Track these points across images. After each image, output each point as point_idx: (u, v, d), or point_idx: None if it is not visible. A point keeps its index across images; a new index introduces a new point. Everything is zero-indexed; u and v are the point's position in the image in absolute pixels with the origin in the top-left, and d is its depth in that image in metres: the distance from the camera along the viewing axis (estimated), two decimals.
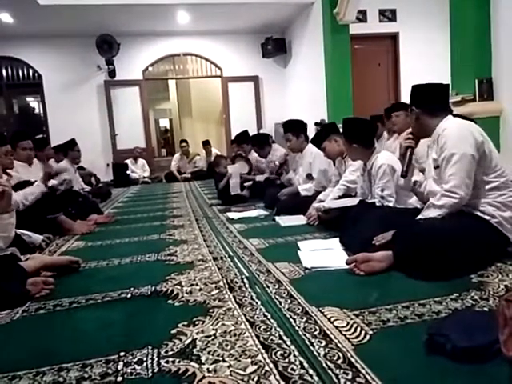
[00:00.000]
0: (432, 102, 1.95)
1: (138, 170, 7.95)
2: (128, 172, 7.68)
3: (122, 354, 1.21)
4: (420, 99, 1.97)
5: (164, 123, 15.37)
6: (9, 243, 2.03)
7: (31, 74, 8.03)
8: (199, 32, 8.16)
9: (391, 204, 2.36)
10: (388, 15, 7.09)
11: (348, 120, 2.65)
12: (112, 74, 8.07)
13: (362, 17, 6.78)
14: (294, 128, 3.72)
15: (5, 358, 1.26)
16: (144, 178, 7.83)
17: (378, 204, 2.40)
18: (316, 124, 6.31)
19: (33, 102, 8.61)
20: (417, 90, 1.99)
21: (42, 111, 8.29)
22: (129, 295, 1.71)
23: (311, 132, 3.49)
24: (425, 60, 6.87)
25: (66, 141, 4.81)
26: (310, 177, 3.57)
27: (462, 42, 3.86)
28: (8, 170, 3.07)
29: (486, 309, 1.35)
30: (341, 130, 2.81)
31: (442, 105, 1.98)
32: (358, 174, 2.75)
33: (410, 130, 2.11)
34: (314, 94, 7.04)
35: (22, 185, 2.99)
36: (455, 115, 2.92)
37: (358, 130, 2.53)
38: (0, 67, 7.89)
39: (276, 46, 8.36)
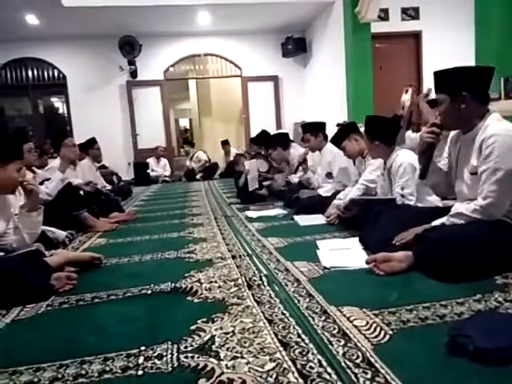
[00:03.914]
0: (482, 87, 1.74)
1: (160, 169, 8.04)
2: (148, 171, 7.78)
3: (142, 348, 1.23)
4: (472, 84, 1.71)
5: (184, 123, 15.50)
6: (35, 239, 2.09)
7: (56, 74, 8.22)
8: (219, 32, 8.20)
9: (412, 203, 2.33)
10: (411, 13, 6.97)
11: (371, 117, 2.64)
12: (134, 74, 8.19)
13: (383, 15, 6.68)
14: (312, 128, 3.72)
15: (30, 350, 1.30)
16: (165, 176, 7.93)
17: (398, 203, 2.37)
18: (338, 125, 6.26)
19: (57, 102, 8.81)
20: (466, 72, 1.74)
21: (66, 111, 8.47)
22: (149, 291, 1.74)
23: (333, 133, 3.51)
24: (448, 59, 6.67)
25: (87, 139, 4.90)
26: (329, 176, 3.55)
27: (486, 40, 3.77)
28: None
29: (510, 311, 1.32)
30: (362, 129, 2.79)
31: (487, 92, 1.77)
32: (377, 173, 2.72)
33: (432, 121, 1.86)
34: (334, 93, 6.99)
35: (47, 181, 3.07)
36: None
37: (380, 127, 2.51)
38: (26, 68, 8.10)
39: (296, 46, 8.32)
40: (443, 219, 1.84)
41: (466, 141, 1.82)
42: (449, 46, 6.79)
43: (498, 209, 1.67)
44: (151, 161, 7.99)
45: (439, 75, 1.81)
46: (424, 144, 1.84)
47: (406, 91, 3.22)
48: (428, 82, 6.86)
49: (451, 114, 1.76)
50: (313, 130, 3.69)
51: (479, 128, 1.74)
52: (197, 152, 8.14)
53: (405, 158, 2.40)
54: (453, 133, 1.94)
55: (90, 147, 4.79)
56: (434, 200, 2.29)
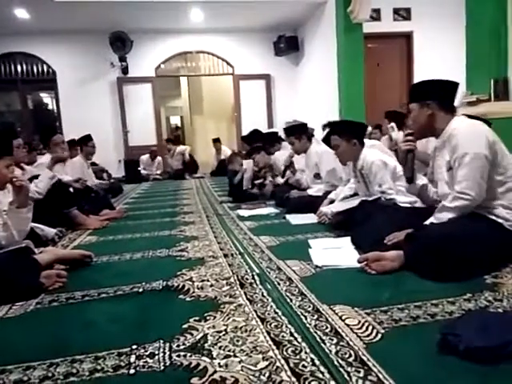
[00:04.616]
0: (447, 97, 1.91)
1: (153, 168, 7.97)
2: (139, 168, 7.73)
3: (134, 347, 1.22)
4: (437, 93, 1.89)
5: (175, 120, 15.39)
6: (24, 236, 2.07)
7: (45, 70, 8.11)
8: (212, 30, 8.17)
9: (393, 196, 2.37)
10: (402, 14, 7.03)
11: (339, 121, 2.75)
12: (125, 70, 8.11)
13: (375, 15, 6.73)
14: (295, 131, 3.71)
15: (19, 348, 1.28)
16: (156, 174, 7.88)
17: (382, 199, 2.41)
18: (325, 126, 6.26)
19: (46, 98, 8.69)
20: (433, 84, 1.93)
21: (55, 107, 8.37)
22: (140, 289, 1.73)
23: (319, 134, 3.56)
24: (439, 59, 6.80)
25: (82, 136, 4.84)
26: (317, 176, 3.55)
27: (477, 42, 3.81)
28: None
29: (500, 310, 1.34)
30: None
31: (453, 103, 1.95)
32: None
33: (407, 131, 2.03)
34: (326, 92, 7.01)
35: (36, 179, 3.03)
36: (468, 116, 2.90)
37: (353, 126, 2.62)
38: (15, 63, 7.99)
39: (288, 44, 8.33)
40: (431, 218, 1.87)
41: (439, 145, 1.95)
42: (440, 46, 6.86)
43: (474, 191, 1.73)
44: (145, 158, 7.92)
45: (411, 88, 2.02)
46: (404, 152, 1.98)
47: (392, 127, 3.37)
48: None
49: (419, 120, 1.94)
50: (296, 133, 3.68)
51: (447, 130, 1.88)
52: (176, 148, 8.08)
53: (373, 156, 2.49)
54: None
55: (84, 144, 4.73)
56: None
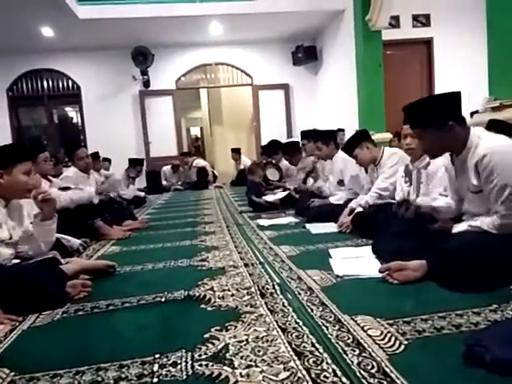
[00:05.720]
0: (460, 111, 1.80)
1: (174, 179, 8.07)
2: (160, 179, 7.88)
3: (157, 356, 1.23)
4: (452, 109, 1.78)
5: (195, 131, 15.61)
6: (50, 247, 2.13)
7: (70, 85, 8.39)
8: (231, 42, 8.29)
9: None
10: (421, 20, 6.97)
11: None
12: (146, 84, 8.30)
13: (394, 22, 6.70)
14: (324, 136, 3.73)
15: (46, 357, 1.31)
16: (177, 184, 7.99)
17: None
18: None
19: (71, 112, 8.96)
20: (442, 101, 1.80)
21: (80, 121, 8.62)
22: (163, 299, 1.75)
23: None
24: (460, 65, 6.71)
25: (137, 158, 6.07)
26: (341, 183, 3.54)
27: (499, 46, 3.75)
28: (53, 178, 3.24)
29: None
30: (374, 136, 2.76)
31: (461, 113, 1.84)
32: (390, 181, 2.72)
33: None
34: (345, 101, 7.00)
35: (62, 191, 3.12)
36: (492, 121, 2.78)
37: None
38: (42, 79, 8.29)
39: (307, 54, 8.37)
40: (463, 226, 1.83)
41: (460, 162, 1.87)
42: (461, 52, 6.78)
43: None
44: (167, 170, 8.03)
45: (414, 108, 1.85)
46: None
47: None
48: (440, 89, 6.83)
49: (438, 142, 1.82)
50: (324, 139, 3.70)
51: (469, 148, 1.78)
52: (194, 160, 8.15)
53: (443, 160, 2.17)
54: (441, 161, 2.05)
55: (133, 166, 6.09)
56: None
